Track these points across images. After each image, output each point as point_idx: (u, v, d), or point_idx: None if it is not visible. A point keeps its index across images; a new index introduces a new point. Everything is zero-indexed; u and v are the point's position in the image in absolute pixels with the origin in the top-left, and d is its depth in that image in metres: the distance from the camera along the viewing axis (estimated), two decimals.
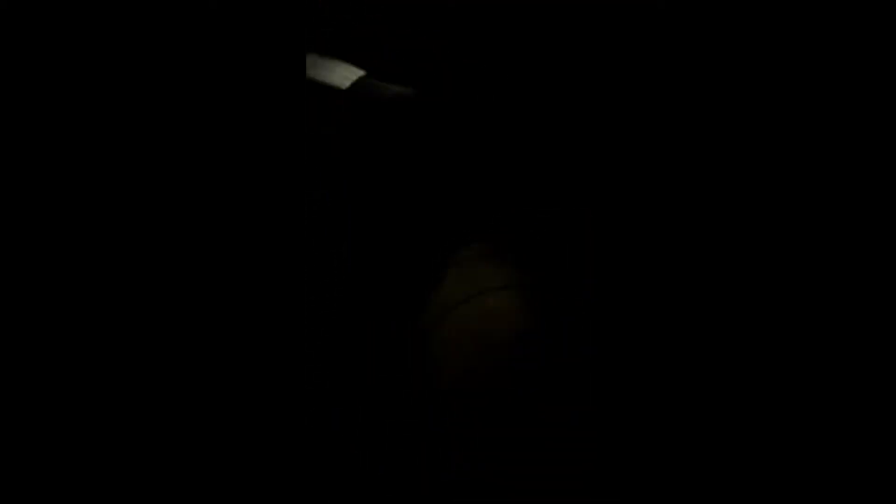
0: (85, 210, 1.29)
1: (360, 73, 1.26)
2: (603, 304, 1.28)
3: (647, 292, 1.28)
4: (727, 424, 1.24)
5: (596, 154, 1.30)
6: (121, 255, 1.29)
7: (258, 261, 1.29)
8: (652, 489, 1.23)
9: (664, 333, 1.27)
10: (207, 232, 1.30)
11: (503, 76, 1.32)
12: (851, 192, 1.27)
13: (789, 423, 1.23)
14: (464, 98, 1.31)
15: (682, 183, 1.29)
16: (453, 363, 1.27)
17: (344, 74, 1.29)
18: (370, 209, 1.30)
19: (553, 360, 1.28)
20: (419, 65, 1.32)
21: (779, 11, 1.29)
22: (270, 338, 1.28)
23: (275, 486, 1.24)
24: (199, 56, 1.31)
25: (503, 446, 1.25)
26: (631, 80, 1.31)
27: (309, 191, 1.31)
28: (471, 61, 1.32)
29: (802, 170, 1.28)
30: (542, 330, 1.28)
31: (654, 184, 1.30)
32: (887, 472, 1.19)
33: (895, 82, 1.27)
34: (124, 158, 1.30)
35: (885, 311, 1.23)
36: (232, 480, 1.24)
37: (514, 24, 1.32)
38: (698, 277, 1.27)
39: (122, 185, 1.30)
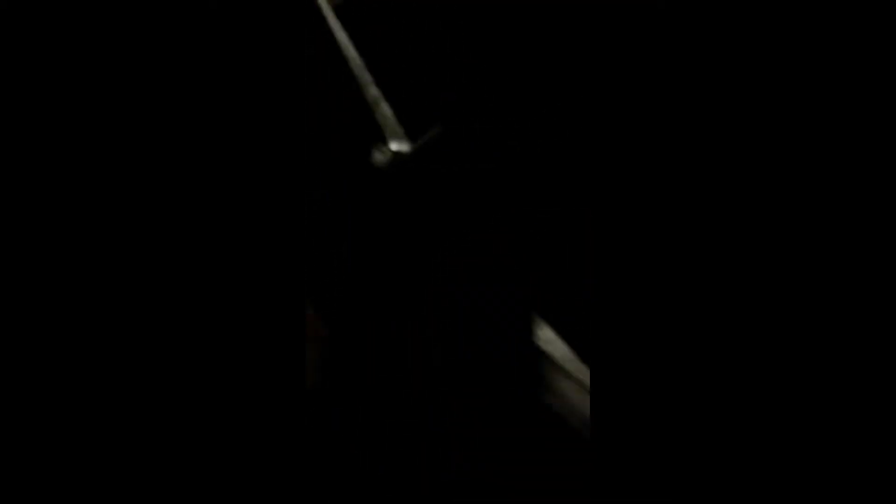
0: (85, 210, 1.29)
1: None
2: (603, 304, 1.28)
3: (646, 292, 1.28)
4: (727, 424, 1.24)
5: (596, 154, 1.31)
6: (121, 256, 1.29)
7: (258, 260, 1.29)
8: (651, 489, 1.23)
9: (664, 333, 1.27)
10: (208, 232, 1.30)
11: (502, 75, 1.32)
12: (851, 191, 1.27)
13: (790, 424, 1.23)
14: (462, 98, 1.31)
15: (682, 183, 1.30)
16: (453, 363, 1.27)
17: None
18: (370, 209, 1.31)
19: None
20: (418, 64, 1.32)
21: (779, 11, 1.30)
22: (270, 338, 1.28)
23: (275, 486, 1.24)
24: (199, 56, 1.31)
25: (503, 446, 1.25)
26: (631, 80, 1.31)
27: (309, 191, 1.31)
28: (470, 61, 1.32)
29: (803, 170, 1.28)
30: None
31: (654, 184, 1.30)
32: (887, 472, 1.19)
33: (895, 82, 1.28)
34: (125, 159, 1.31)
35: (885, 311, 1.24)
36: (232, 480, 1.24)
37: (512, 22, 1.32)
38: (698, 277, 1.27)
39: (122, 186, 1.30)
